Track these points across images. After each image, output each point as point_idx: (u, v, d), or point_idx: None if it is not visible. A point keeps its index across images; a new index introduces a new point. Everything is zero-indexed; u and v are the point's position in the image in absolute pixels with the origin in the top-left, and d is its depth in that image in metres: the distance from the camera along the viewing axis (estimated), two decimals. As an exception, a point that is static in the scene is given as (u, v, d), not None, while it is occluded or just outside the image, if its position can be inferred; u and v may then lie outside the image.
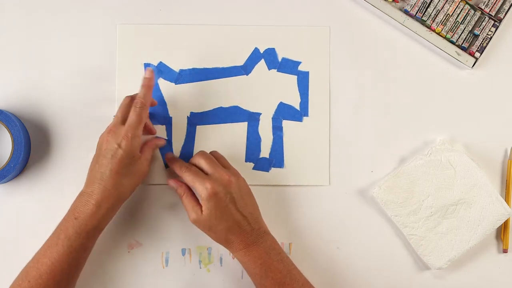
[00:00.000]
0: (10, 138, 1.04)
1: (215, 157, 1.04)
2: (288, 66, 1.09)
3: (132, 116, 0.99)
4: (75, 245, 0.95)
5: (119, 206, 1.00)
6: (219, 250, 1.07)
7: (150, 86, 1.02)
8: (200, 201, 0.98)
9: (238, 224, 0.98)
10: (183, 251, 1.08)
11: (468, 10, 1.08)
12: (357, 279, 1.08)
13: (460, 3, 1.08)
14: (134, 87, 1.07)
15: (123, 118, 1.00)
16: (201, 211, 0.98)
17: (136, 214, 1.08)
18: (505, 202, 1.06)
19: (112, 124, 1.00)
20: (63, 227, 0.96)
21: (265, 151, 1.09)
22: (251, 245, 0.98)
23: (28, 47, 1.09)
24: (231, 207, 0.98)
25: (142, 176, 1.01)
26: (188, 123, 1.09)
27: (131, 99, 1.02)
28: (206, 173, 1.00)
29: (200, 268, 1.08)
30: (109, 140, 0.98)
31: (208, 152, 1.06)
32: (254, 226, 0.99)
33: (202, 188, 0.97)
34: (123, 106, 1.01)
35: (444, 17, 1.08)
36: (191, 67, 1.09)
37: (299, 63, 1.09)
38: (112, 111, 1.07)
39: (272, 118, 1.09)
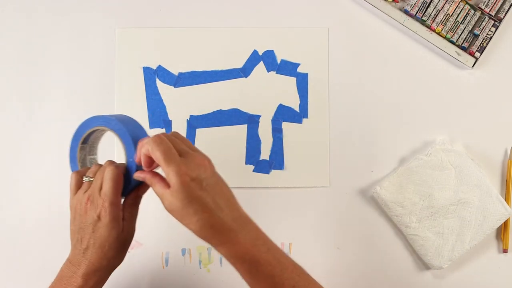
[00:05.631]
0: None
1: (179, 140, 0.85)
2: (287, 68, 1.09)
3: (106, 184, 0.87)
4: None
5: (110, 274, 0.91)
6: (220, 250, 1.08)
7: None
8: (170, 189, 0.81)
9: (215, 213, 0.81)
10: (183, 251, 1.08)
11: (468, 10, 1.08)
12: (357, 279, 1.08)
13: (460, 3, 1.08)
14: (133, 90, 1.07)
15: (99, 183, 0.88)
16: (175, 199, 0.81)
17: (136, 215, 1.08)
18: (505, 202, 1.06)
19: (91, 190, 0.88)
20: None
21: (265, 153, 1.08)
22: (235, 238, 0.82)
23: (28, 49, 1.09)
24: (205, 195, 0.81)
25: (130, 240, 0.91)
26: (188, 126, 1.09)
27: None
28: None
29: (200, 268, 1.08)
30: (88, 211, 0.87)
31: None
32: (235, 215, 0.83)
33: (172, 175, 0.79)
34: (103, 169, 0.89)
35: (444, 17, 1.08)
36: (190, 70, 1.09)
37: (298, 65, 1.09)
38: (111, 112, 1.08)
39: (271, 120, 1.09)
